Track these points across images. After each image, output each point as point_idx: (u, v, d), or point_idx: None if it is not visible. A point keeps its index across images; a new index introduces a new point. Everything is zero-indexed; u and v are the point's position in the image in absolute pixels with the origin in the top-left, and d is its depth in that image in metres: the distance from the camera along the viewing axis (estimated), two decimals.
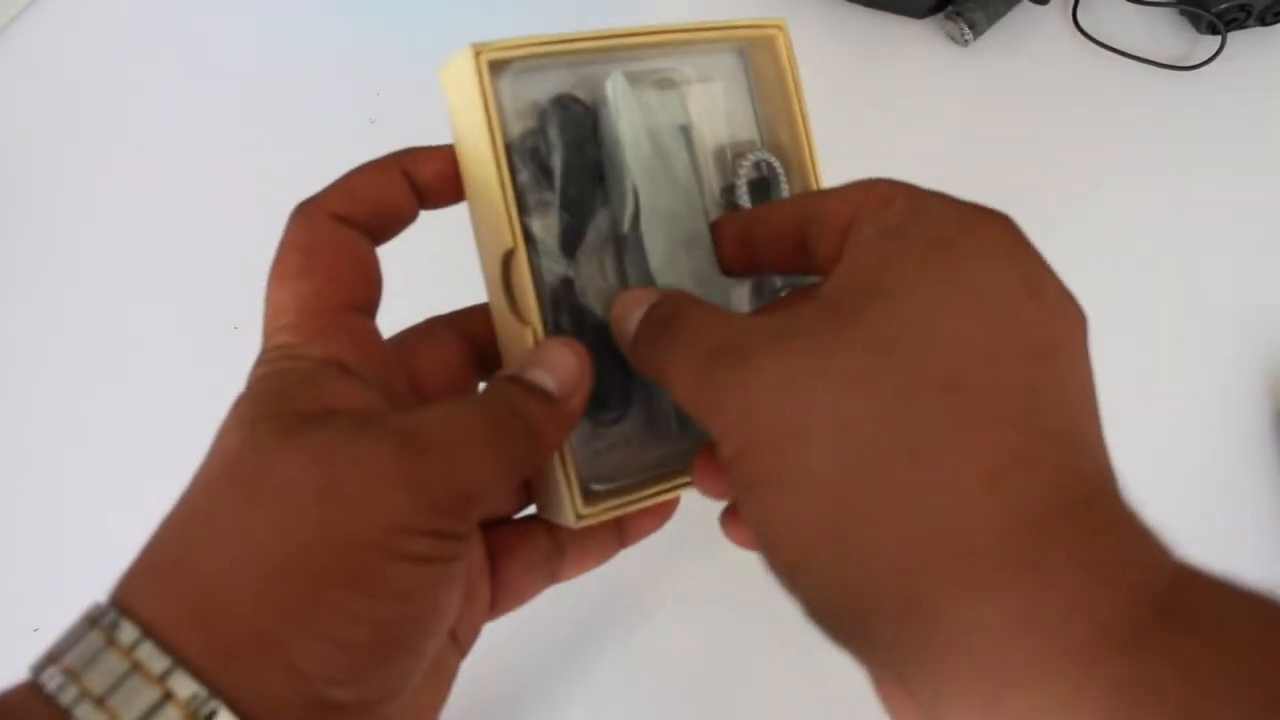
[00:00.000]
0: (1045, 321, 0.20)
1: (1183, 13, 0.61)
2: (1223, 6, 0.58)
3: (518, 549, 0.28)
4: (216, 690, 0.18)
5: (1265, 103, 0.60)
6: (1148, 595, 0.16)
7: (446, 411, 0.22)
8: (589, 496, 0.28)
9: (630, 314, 0.25)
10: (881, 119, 0.60)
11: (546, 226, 0.28)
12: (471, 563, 0.26)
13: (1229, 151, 0.59)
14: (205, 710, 0.18)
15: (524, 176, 0.28)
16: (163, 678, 0.18)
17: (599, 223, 0.29)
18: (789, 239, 0.25)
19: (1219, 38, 0.59)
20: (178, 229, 0.58)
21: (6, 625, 0.51)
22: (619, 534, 0.30)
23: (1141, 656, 0.15)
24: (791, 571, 0.19)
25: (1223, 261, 0.56)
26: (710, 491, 0.26)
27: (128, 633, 0.18)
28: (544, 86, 0.30)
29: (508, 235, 0.26)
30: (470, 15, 0.60)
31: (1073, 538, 0.17)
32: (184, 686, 0.18)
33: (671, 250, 0.29)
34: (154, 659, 0.18)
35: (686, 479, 0.29)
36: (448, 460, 0.21)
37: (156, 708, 0.18)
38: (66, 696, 0.18)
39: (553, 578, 0.29)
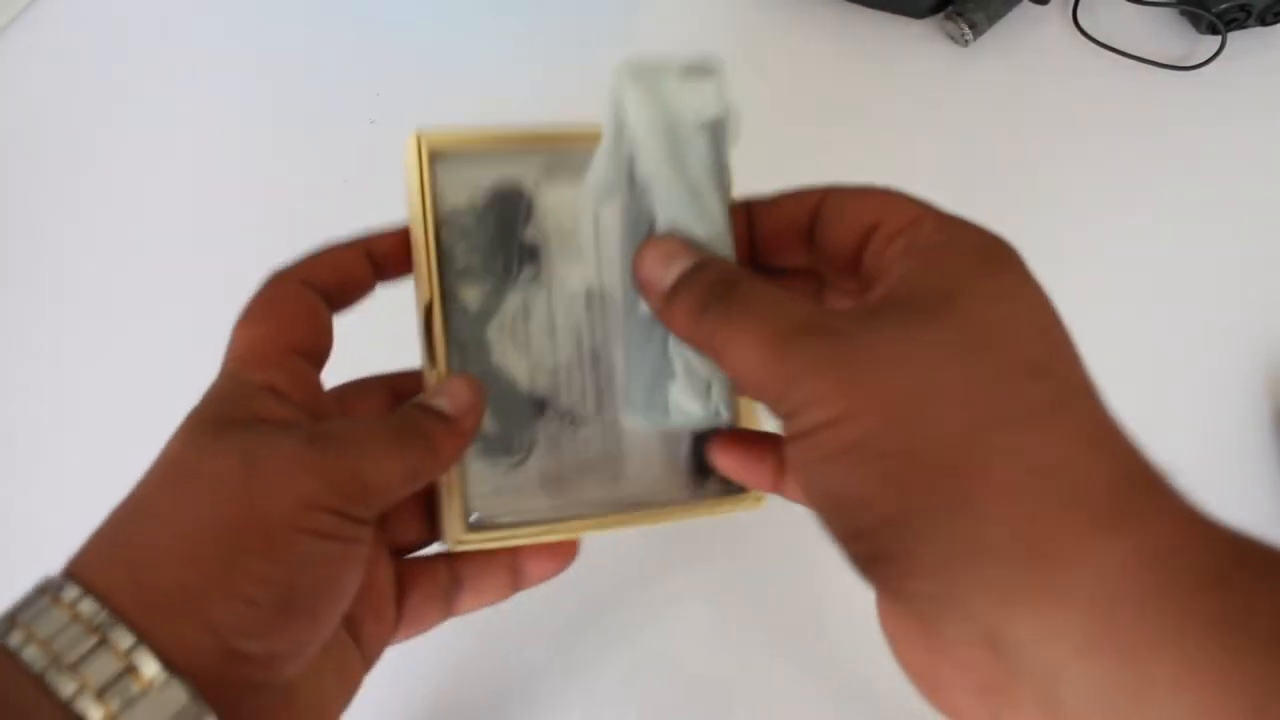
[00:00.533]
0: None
1: (1183, 13, 0.61)
2: (1223, 6, 0.58)
3: (420, 579, 0.31)
4: (144, 638, 0.21)
5: (1265, 103, 0.60)
6: (1226, 546, 0.19)
7: (354, 420, 0.28)
8: (472, 527, 0.32)
9: (667, 266, 0.25)
10: (881, 119, 0.60)
11: (470, 293, 0.34)
12: (380, 583, 0.30)
13: (1229, 151, 0.59)
14: (136, 657, 0.21)
15: (458, 247, 0.34)
16: (99, 628, 0.21)
17: (518, 294, 0.35)
18: (797, 229, 0.27)
19: (1219, 38, 0.59)
20: (178, 229, 0.58)
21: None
22: (513, 575, 0.32)
23: (1227, 595, 0.18)
24: (898, 525, 0.20)
25: (1223, 261, 0.56)
26: (731, 468, 0.29)
27: (70, 592, 0.22)
28: (487, 168, 0.36)
29: (427, 290, 0.32)
30: (471, 15, 0.60)
31: (1163, 494, 0.20)
32: (120, 637, 0.21)
33: None
34: (94, 613, 0.22)
35: (579, 526, 0.33)
36: (351, 454, 0.25)
37: (93, 651, 0.21)
38: (13, 640, 0.21)
39: (449, 610, 0.31)
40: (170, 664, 0.21)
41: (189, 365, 0.55)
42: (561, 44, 0.61)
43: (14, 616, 0.22)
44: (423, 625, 0.31)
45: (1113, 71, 0.60)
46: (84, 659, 0.21)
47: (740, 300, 0.24)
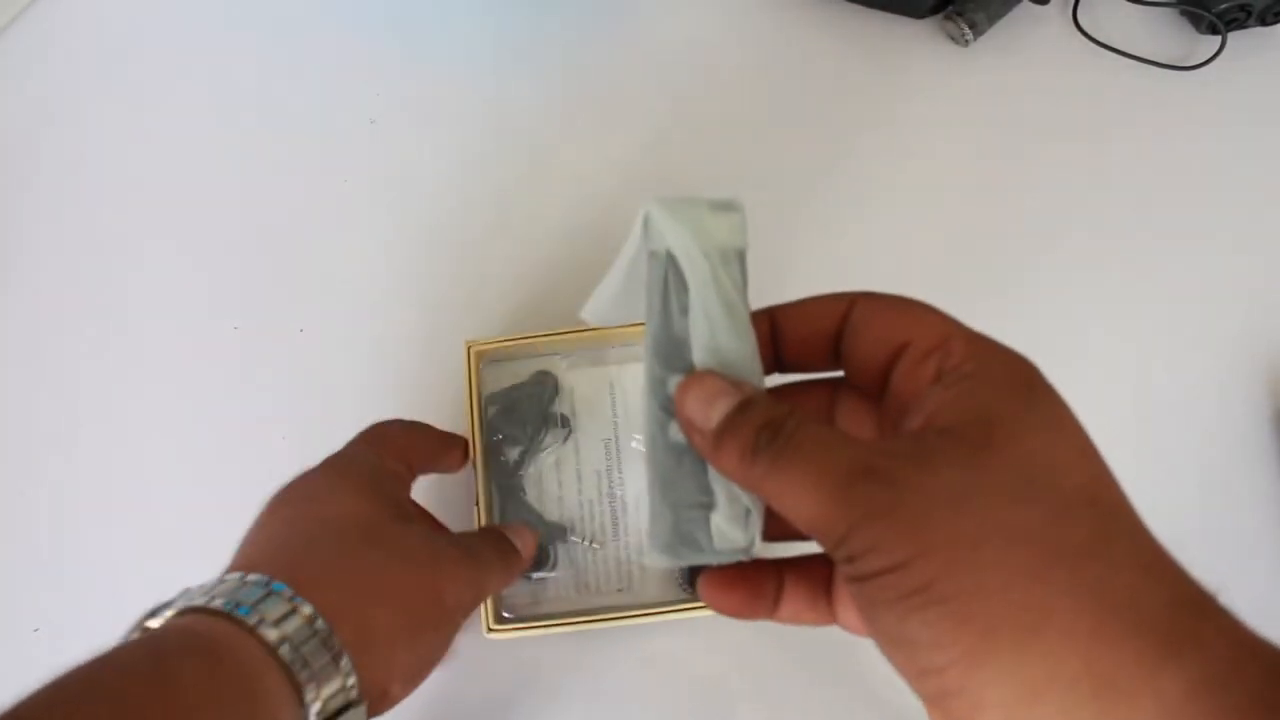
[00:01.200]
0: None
1: (1183, 13, 0.61)
2: (1223, 6, 0.58)
3: None
4: (356, 670, 0.30)
5: (1265, 103, 0.60)
6: (1276, 671, 0.20)
7: (477, 538, 0.40)
8: (504, 620, 0.47)
9: (711, 406, 0.26)
10: (881, 119, 0.60)
11: (510, 451, 0.49)
12: None
13: (1229, 151, 0.59)
14: (348, 680, 0.29)
15: (500, 419, 0.49)
16: (333, 650, 0.29)
17: (552, 452, 0.51)
18: (822, 338, 0.28)
19: (1219, 38, 0.59)
20: (178, 229, 0.58)
21: (6, 625, 0.51)
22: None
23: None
24: (967, 665, 0.21)
25: (1223, 261, 0.56)
26: (729, 604, 0.30)
27: (306, 608, 0.30)
28: (524, 362, 0.51)
29: (474, 450, 0.47)
30: (471, 15, 0.60)
31: (1217, 614, 0.21)
32: (346, 665, 0.29)
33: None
34: (327, 634, 0.29)
35: (593, 623, 0.46)
36: (485, 572, 0.37)
37: (326, 667, 0.29)
38: (269, 634, 0.28)
39: None
40: (363, 691, 0.30)
41: (189, 363, 0.56)
42: (561, 44, 0.61)
43: (260, 608, 0.29)
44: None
45: (1113, 71, 0.60)
46: (322, 670, 0.29)
47: (791, 443, 0.24)
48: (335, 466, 0.37)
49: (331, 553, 0.32)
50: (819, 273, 0.55)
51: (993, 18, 0.60)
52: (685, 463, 0.27)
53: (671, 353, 0.27)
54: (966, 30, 0.59)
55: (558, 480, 0.50)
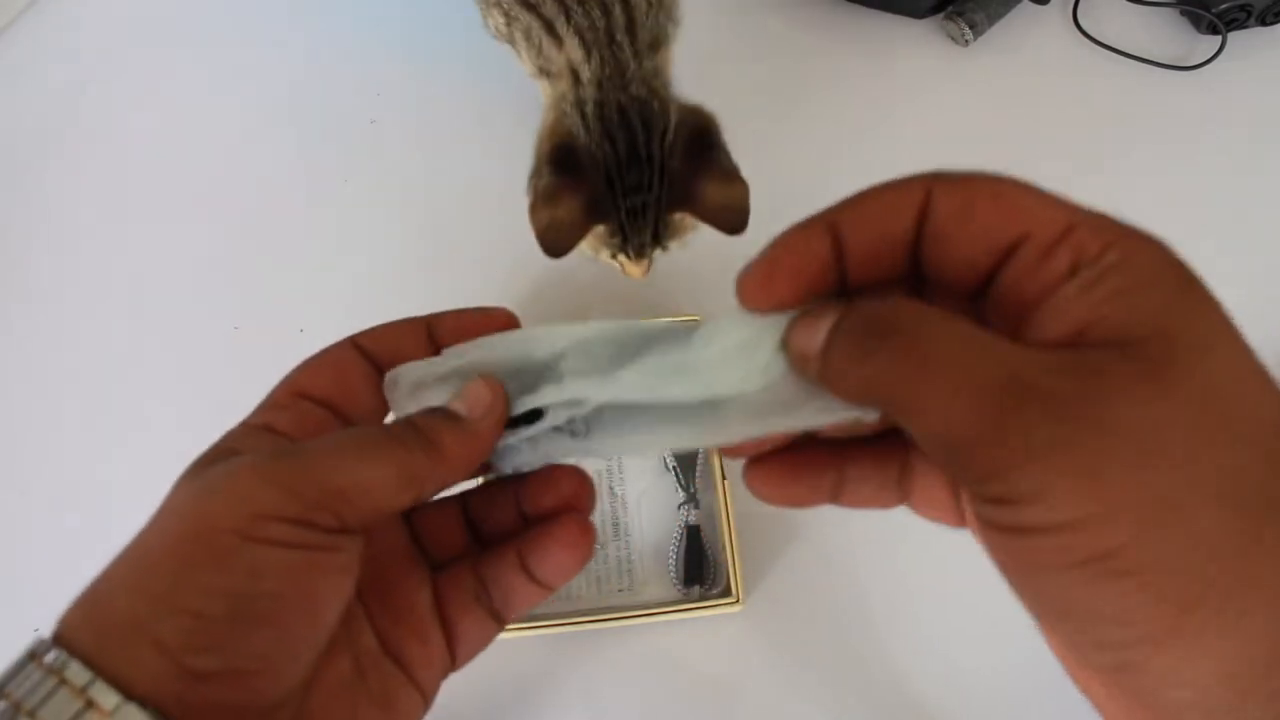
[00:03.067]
0: None
1: (1183, 13, 0.61)
2: (1223, 6, 0.58)
3: (451, 593, 0.29)
4: (100, 671, 0.21)
5: (1265, 103, 0.60)
6: None
7: (341, 432, 0.26)
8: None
9: (816, 328, 0.22)
10: (882, 119, 0.60)
11: None
12: (417, 604, 0.28)
13: (1229, 151, 0.59)
14: (94, 692, 0.21)
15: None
16: (59, 670, 0.21)
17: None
18: (895, 244, 0.22)
19: (1219, 38, 0.59)
20: (179, 229, 0.58)
21: (7, 625, 0.51)
22: (533, 581, 0.29)
23: None
24: (1159, 643, 0.18)
25: (1223, 260, 0.56)
26: (777, 498, 0.26)
27: (44, 649, 0.22)
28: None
29: None
30: (470, 15, 0.60)
31: None
32: (75, 674, 0.21)
33: None
34: (54, 658, 0.22)
35: (597, 623, 0.46)
36: (320, 462, 0.24)
37: (51, 694, 0.21)
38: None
39: (495, 616, 0.29)
40: (131, 694, 0.21)
41: (188, 361, 0.56)
42: None
43: (2, 686, 0.22)
44: (478, 639, 0.29)
45: (1113, 71, 0.60)
46: (43, 702, 0.21)
47: (915, 337, 0.20)
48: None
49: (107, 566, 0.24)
50: None
51: (993, 18, 0.60)
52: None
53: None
54: (966, 30, 0.59)
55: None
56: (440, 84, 0.61)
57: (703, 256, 0.48)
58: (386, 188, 0.59)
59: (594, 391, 0.25)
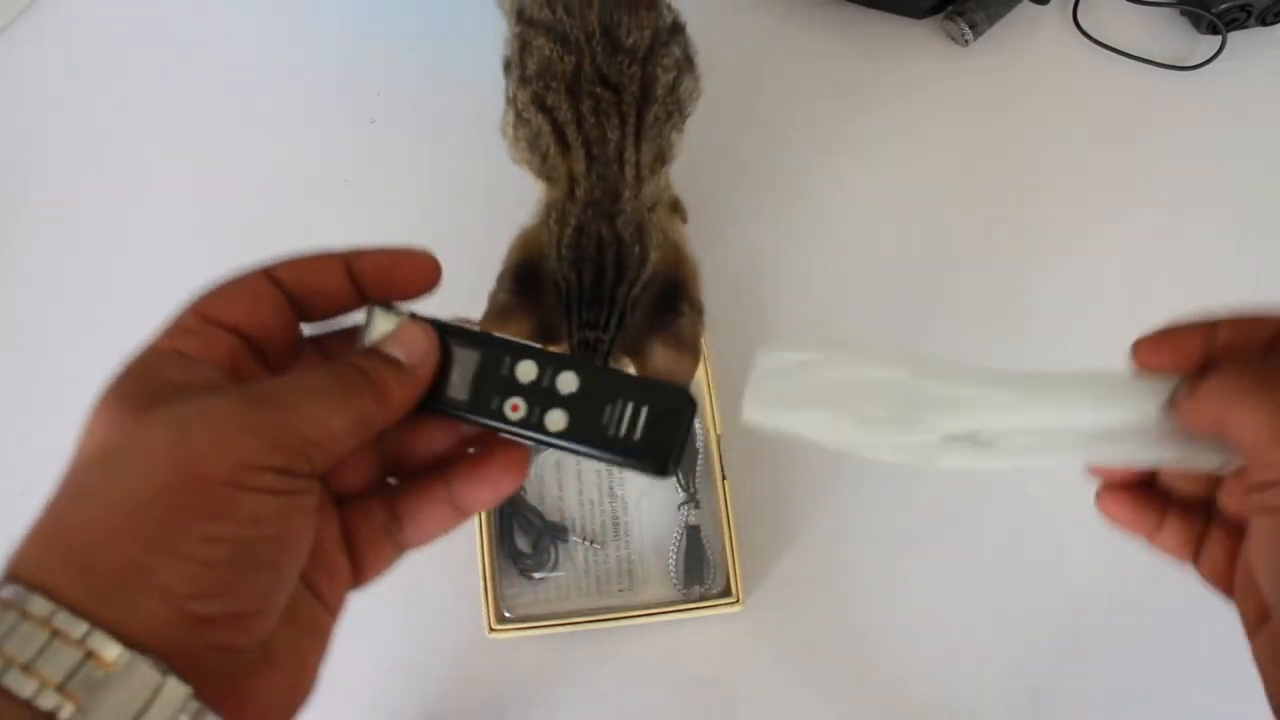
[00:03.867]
0: None
1: (1183, 13, 0.61)
2: (1223, 6, 0.58)
3: (362, 523, 0.30)
4: (97, 622, 0.21)
5: (1265, 103, 0.60)
6: None
7: (292, 375, 0.27)
8: (506, 620, 0.47)
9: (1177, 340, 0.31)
10: (882, 119, 0.60)
11: None
12: (325, 535, 0.29)
13: (1229, 151, 0.59)
14: (93, 642, 0.21)
15: None
16: (48, 621, 0.21)
17: (548, 453, 0.49)
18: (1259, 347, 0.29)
19: (1219, 38, 0.59)
20: (179, 229, 0.58)
21: None
22: (451, 506, 0.30)
23: None
24: None
25: (1222, 260, 0.56)
26: (1121, 517, 0.31)
27: (7, 591, 0.21)
28: None
29: None
30: (471, 15, 0.60)
31: None
32: (70, 625, 0.21)
33: None
34: (40, 607, 0.21)
35: (595, 623, 0.46)
36: (291, 410, 0.25)
37: (47, 646, 0.21)
38: None
39: (399, 547, 0.30)
40: (131, 641, 0.21)
41: None
42: None
43: None
44: (379, 568, 0.30)
45: (1113, 71, 0.60)
46: (39, 655, 0.21)
47: (1229, 376, 0.26)
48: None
49: (63, 496, 0.24)
50: (819, 273, 0.55)
51: (993, 18, 0.60)
52: (581, 422, 0.28)
53: (486, 391, 0.29)
54: (966, 30, 0.59)
55: (558, 480, 0.50)
56: (440, 84, 0.60)
57: (700, 255, 0.48)
58: (386, 188, 0.59)
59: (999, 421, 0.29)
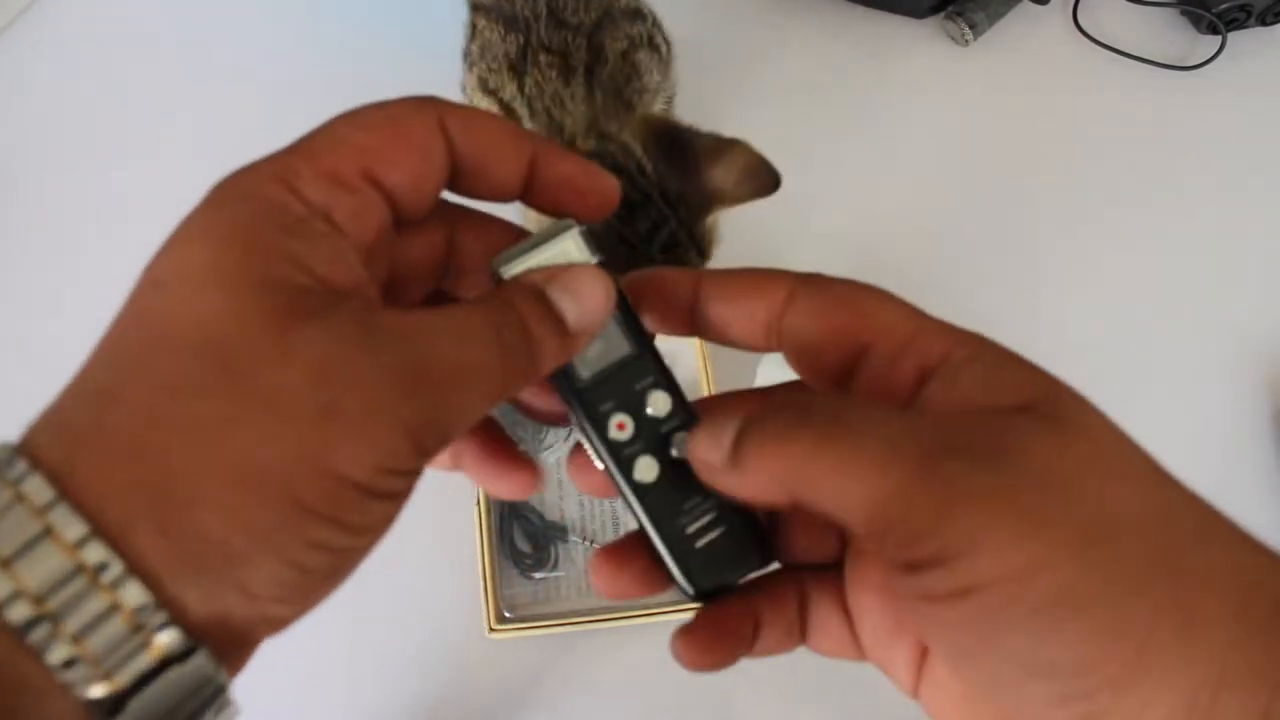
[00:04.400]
0: None
1: (1183, 13, 0.61)
2: (1223, 6, 0.58)
3: None
4: (166, 601, 0.17)
5: (1265, 103, 0.60)
6: None
7: (453, 331, 0.21)
8: (506, 620, 0.47)
9: (722, 429, 0.22)
10: (882, 119, 0.60)
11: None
12: None
13: (1229, 151, 0.59)
14: (154, 623, 0.17)
15: (507, 417, 0.38)
16: (113, 586, 0.17)
17: (555, 452, 0.49)
18: (756, 324, 0.24)
19: (1219, 38, 0.59)
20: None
21: None
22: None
23: None
24: (1121, 685, 0.18)
25: (1223, 261, 0.56)
26: (709, 664, 0.24)
27: (73, 527, 0.17)
28: None
29: None
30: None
31: None
32: (133, 595, 0.17)
33: None
34: (102, 560, 0.17)
35: (595, 622, 0.46)
36: (445, 403, 0.20)
37: (104, 617, 0.17)
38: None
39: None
40: (191, 632, 0.17)
41: None
42: None
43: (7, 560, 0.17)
44: None
45: (1113, 71, 0.60)
46: (91, 624, 0.17)
47: (835, 418, 0.20)
48: (205, 215, 0.21)
49: (154, 397, 0.19)
50: (817, 271, 0.55)
51: (993, 18, 0.60)
52: (665, 492, 0.24)
53: (608, 390, 0.24)
54: (966, 30, 0.59)
55: (558, 480, 0.50)
56: (440, 84, 0.60)
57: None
58: None
59: None
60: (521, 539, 0.49)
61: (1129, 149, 0.59)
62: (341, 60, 0.62)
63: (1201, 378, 0.54)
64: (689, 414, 0.24)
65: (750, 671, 0.48)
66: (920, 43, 0.61)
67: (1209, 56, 0.60)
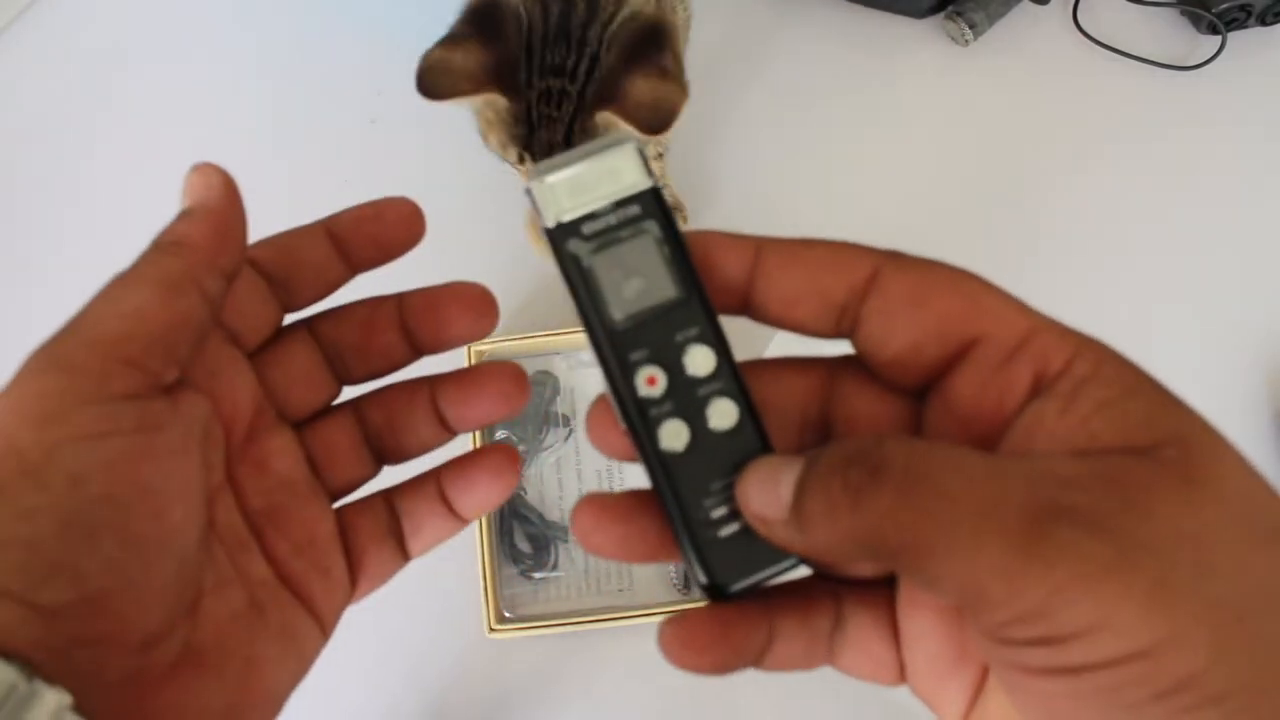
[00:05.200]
0: None
1: (1183, 13, 0.61)
2: (1223, 6, 0.58)
3: (360, 524, 0.26)
4: None
5: (1265, 103, 0.60)
6: None
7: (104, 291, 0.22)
8: (506, 620, 0.47)
9: (778, 481, 0.19)
10: (882, 119, 0.60)
11: None
12: (319, 535, 0.25)
13: (1229, 151, 0.59)
14: None
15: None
16: None
17: (553, 452, 0.50)
18: (825, 305, 0.20)
19: (1219, 38, 0.59)
20: None
21: None
22: (450, 513, 0.26)
23: None
24: None
25: (1223, 261, 0.56)
26: (701, 667, 0.21)
27: None
28: (526, 362, 0.45)
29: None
30: None
31: None
32: None
33: None
34: None
35: (595, 622, 0.46)
36: (86, 320, 0.20)
37: None
38: None
39: (403, 553, 0.26)
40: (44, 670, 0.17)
41: None
42: None
43: None
44: (380, 573, 0.26)
45: (1113, 71, 0.60)
46: None
47: (912, 476, 0.17)
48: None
49: None
50: None
51: (993, 18, 0.60)
52: (693, 466, 0.21)
53: (643, 336, 0.21)
54: (966, 30, 0.59)
55: (558, 480, 0.50)
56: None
57: None
58: (386, 188, 0.59)
59: None
60: (521, 539, 0.49)
61: (1129, 149, 0.59)
62: (344, 60, 0.62)
63: (1201, 378, 0.53)
64: (736, 382, 0.21)
65: (751, 672, 0.48)
66: (920, 43, 0.61)
67: (1209, 56, 0.60)
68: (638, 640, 0.49)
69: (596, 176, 0.21)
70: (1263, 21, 0.60)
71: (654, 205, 0.21)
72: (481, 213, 0.57)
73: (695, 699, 0.48)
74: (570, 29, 0.38)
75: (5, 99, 0.61)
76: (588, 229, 0.21)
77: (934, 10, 0.60)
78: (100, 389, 0.19)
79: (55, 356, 0.20)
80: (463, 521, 0.27)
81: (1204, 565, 0.16)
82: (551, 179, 0.21)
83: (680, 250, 0.21)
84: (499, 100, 0.39)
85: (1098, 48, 0.61)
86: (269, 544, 0.24)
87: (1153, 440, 0.17)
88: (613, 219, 0.21)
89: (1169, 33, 0.61)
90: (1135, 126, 0.59)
